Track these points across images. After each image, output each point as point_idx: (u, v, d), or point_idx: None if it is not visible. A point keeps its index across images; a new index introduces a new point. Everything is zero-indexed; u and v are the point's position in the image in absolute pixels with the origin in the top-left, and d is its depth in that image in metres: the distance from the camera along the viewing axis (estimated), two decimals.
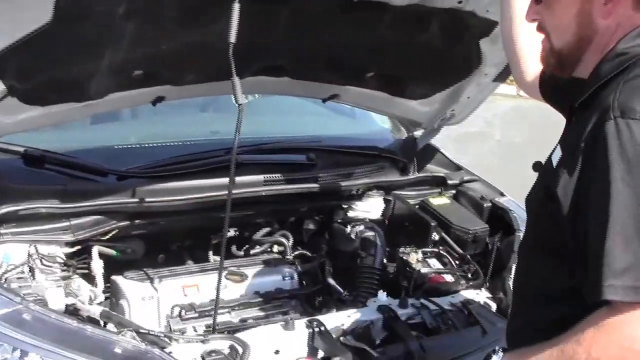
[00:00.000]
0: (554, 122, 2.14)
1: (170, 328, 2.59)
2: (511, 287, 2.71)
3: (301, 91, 3.12)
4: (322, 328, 2.41)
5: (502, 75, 3.07)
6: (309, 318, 2.49)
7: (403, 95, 3.20)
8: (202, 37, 2.50)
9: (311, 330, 2.41)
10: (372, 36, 2.75)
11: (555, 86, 1.94)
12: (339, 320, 2.53)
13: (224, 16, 2.31)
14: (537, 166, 1.81)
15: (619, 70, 1.56)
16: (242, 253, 3.11)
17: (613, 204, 1.40)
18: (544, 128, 8.39)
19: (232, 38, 2.15)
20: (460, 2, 2.62)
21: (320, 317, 2.50)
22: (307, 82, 3.00)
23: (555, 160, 1.63)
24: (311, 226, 3.24)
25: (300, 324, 2.44)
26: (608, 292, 1.38)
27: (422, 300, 2.65)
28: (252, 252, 3.12)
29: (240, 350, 2.27)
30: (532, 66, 2.10)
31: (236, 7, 2.13)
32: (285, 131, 3.51)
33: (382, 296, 2.68)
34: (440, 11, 2.65)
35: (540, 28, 1.75)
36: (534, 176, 1.78)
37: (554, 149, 1.68)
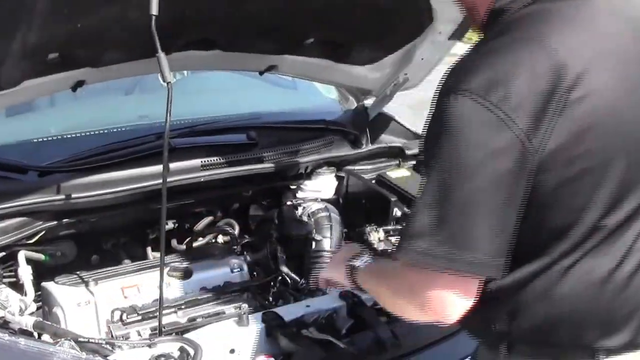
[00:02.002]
0: None
1: (112, 334, 2.59)
2: None
3: (235, 65, 3.12)
4: (280, 321, 2.43)
5: (458, 33, 3.10)
6: (264, 311, 2.50)
7: (348, 61, 3.22)
8: (121, 11, 2.47)
9: (268, 324, 2.42)
10: None
11: None
12: (297, 311, 2.54)
13: None
14: None
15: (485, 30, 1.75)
16: (183, 247, 3.11)
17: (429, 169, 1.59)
18: None
19: (154, 10, 2.14)
20: None
21: (277, 310, 2.52)
22: (240, 54, 3.00)
23: None
24: (258, 212, 3.25)
25: (255, 319, 2.45)
26: (399, 252, 1.62)
27: None
28: (194, 244, 3.11)
29: (191, 351, 2.28)
30: None
31: None
32: (221, 110, 3.50)
33: None
34: None
35: None
36: None
37: None
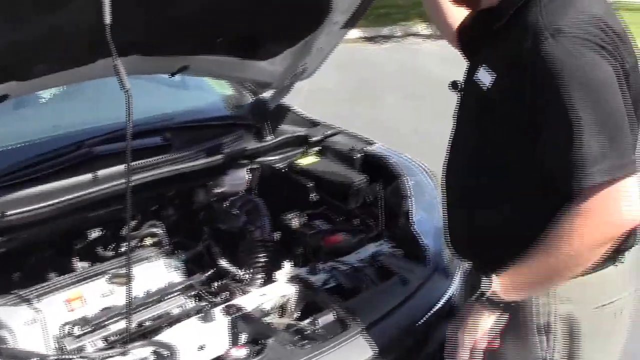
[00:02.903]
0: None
1: (65, 349, 2.57)
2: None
3: (151, 68, 3.12)
4: (244, 312, 2.51)
5: (351, 21, 3.24)
6: (225, 304, 2.57)
7: (254, 56, 3.29)
8: (52, 22, 2.46)
9: (232, 317, 2.49)
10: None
11: (472, 37, 2.23)
12: (254, 301, 2.62)
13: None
14: (455, 85, 2.23)
15: None
16: (111, 253, 3.11)
17: (568, 110, 1.80)
18: (355, 71, 9.02)
19: (107, 19, 2.17)
20: None
21: (235, 302, 2.60)
22: (156, 57, 3.03)
23: (483, 78, 2.01)
24: (182, 210, 3.29)
25: (219, 313, 2.52)
26: (586, 180, 1.78)
27: (331, 263, 2.82)
28: (123, 249, 3.11)
29: (166, 353, 2.32)
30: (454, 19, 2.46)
31: None
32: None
33: (288, 267, 2.81)
34: None
35: None
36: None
37: (472, 70, 2.09)
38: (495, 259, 2.01)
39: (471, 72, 2.11)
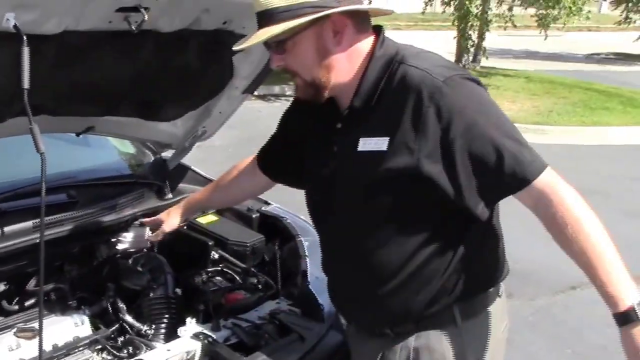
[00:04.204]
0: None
1: None
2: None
3: (58, 127, 3.25)
4: None
5: (252, 87, 3.47)
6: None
7: (156, 118, 3.47)
8: None
9: None
10: (133, 65, 3.00)
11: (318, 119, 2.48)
12: (160, 356, 2.74)
13: None
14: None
15: (391, 66, 2.23)
16: (16, 307, 3.18)
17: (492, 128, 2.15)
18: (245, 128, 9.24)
19: (26, 84, 2.32)
20: (224, 23, 2.99)
21: (141, 357, 2.73)
22: (63, 117, 3.16)
23: (380, 145, 2.23)
24: (86, 266, 3.38)
25: None
26: (535, 171, 2.14)
27: (232, 320, 2.98)
28: (27, 304, 3.19)
29: None
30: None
31: (26, 51, 2.32)
32: (36, 171, 3.54)
33: (192, 323, 2.94)
34: (204, 33, 2.97)
35: (287, 70, 2.31)
36: None
37: (351, 143, 2.29)
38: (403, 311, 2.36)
39: (344, 148, 2.33)
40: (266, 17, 2.17)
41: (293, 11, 2.13)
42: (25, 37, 2.27)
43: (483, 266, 2.44)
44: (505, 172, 2.11)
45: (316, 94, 2.32)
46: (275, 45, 2.24)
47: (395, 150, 2.17)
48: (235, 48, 2.28)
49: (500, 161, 2.10)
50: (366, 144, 2.25)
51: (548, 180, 2.13)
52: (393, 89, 2.21)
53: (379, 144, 2.21)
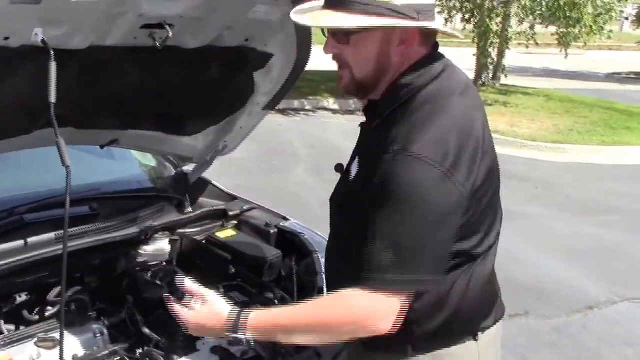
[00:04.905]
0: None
1: None
2: None
3: (83, 140, 3.30)
4: None
5: (272, 103, 3.52)
6: None
7: (178, 132, 3.53)
8: None
9: None
10: (156, 79, 3.06)
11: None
12: None
13: (16, 73, 2.54)
14: (338, 168, 2.44)
15: (401, 101, 2.17)
16: (37, 317, 3.21)
17: (381, 221, 2.04)
18: (265, 142, 9.34)
19: (52, 98, 2.37)
20: (247, 40, 3.05)
21: None
22: (88, 130, 3.22)
23: (353, 169, 2.28)
24: (106, 278, 3.43)
25: None
26: (367, 282, 2.04)
27: None
28: (47, 314, 3.23)
29: None
30: None
31: (53, 66, 2.37)
32: (59, 183, 3.59)
33: (210, 337, 2.98)
34: (227, 49, 3.02)
35: (338, 60, 2.26)
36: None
37: (353, 158, 2.32)
38: None
39: (351, 159, 2.35)
40: (343, 1, 2.10)
41: (373, 7, 2.07)
42: (52, 52, 2.31)
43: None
44: (359, 253, 2.09)
45: (358, 92, 2.32)
46: (339, 33, 2.19)
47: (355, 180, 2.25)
48: (295, 20, 2.19)
49: (363, 241, 2.08)
50: (353, 164, 2.32)
51: (367, 299, 2.05)
52: (393, 121, 2.17)
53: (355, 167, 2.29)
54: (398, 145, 2.05)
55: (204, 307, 2.34)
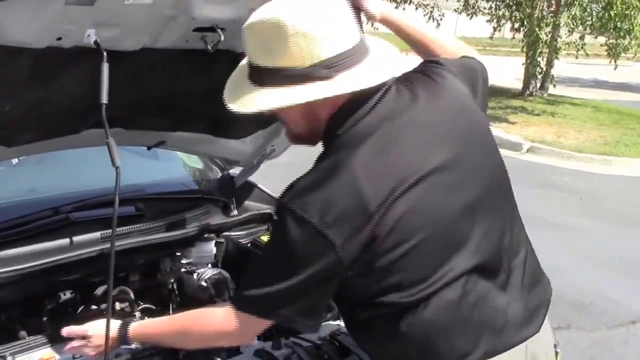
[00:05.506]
0: None
1: None
2: None
3: (131, 140, 3.33)
4: None
5: None
6: None
7: (226, 135, 3.53)
8: (45, 95, 2.67)
9: None
10: (206, 82, 3.05)
11: None
12: None
13: (67, 73, 2.56)
14: None
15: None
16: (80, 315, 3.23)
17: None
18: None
19: (104, 99, 2.38)
20: None
21: None
22: (136, 131, 3.24)
23: None
24: (150, 278, 3.45)
25: None
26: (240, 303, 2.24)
27: (293, 339, 3.00)
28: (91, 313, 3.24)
29: None
30: None
31: (105, 67, 2.39)
32: (105, 182, 3.61)
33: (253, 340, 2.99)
34: None
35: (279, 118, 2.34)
36: None
37: None
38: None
39: None
40: (257, 73, 2.17)
41: (281, 77, 2.11)
42: (105, 53, 2.33)
43: None
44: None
45: (304, 143, 2.40)
46: None
47: None
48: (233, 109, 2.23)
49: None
50: None
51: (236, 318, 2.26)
52: None
53: None
54: (287, 196, 2.13)
55: (95, 338, 2.61)
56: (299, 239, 2.04)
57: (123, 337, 2.51)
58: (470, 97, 2.38)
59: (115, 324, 2.55)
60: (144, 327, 2.52)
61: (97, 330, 2.59)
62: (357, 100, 2.15)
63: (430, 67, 2.38)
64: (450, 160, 2.18)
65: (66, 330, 2.65)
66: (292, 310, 2.17)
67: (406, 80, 2.30)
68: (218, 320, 2.30)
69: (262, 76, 2.13)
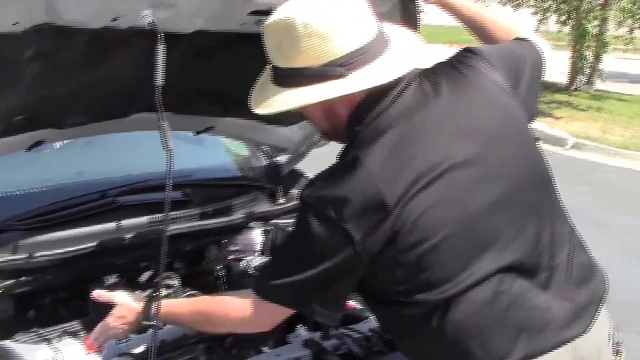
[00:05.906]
0: None
1: None
2: None
3: (180, 126, 3.30)
4: None
5: None
6: None
7: (275, 122, 3.50)
8: (96, 78, 2.65)
9: None
10: (258, 67, 3.03)
11: None
12: None
13: (120, 55, 2.53)
14: None
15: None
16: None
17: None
18: None
19: (159, 81, 2.36)
20: None
21: None
22: (186, 115, 3.22)
23: None
24: (197, 265, 3.44)
25: None
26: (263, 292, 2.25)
27: (342, 330, 2.97)
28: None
29: None
30: None
31: (161, 49, 2.35)
32: (151, 167, 3.58)
33: (301, 330, 2.95)
34: None
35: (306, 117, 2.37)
36: None
37: None
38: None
39: None
40: (281, 75, 2.19)
41: (299, 76, 2.13)
42: (161, 34, 2.30)
43: None
44: None
45: (332, 139, 2.44)
46: None
47: None
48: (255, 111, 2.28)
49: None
50: None
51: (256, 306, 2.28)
52: None
53: None
54: (305, 196, 2.15)
55: (118, 308, 2.64)
56: (319, 233, 2.07)
57: (147, 312, 2.53)
58: (506, 88, 2.31)
59: (140, 298, 2.63)
60: (169, 305, 2.51)
61: (124, 299, 2.66)
62: (375, 97, 2.14)
63: (464, 57, 2.34)
64: (474, 155, 2.14)
65: (96, 293, 2.74)
66: (314, 301, 2.19)
67: (431, 73, 2.26)
68: (241, 307, 2.31)
69: (281, 77, 2.17)
